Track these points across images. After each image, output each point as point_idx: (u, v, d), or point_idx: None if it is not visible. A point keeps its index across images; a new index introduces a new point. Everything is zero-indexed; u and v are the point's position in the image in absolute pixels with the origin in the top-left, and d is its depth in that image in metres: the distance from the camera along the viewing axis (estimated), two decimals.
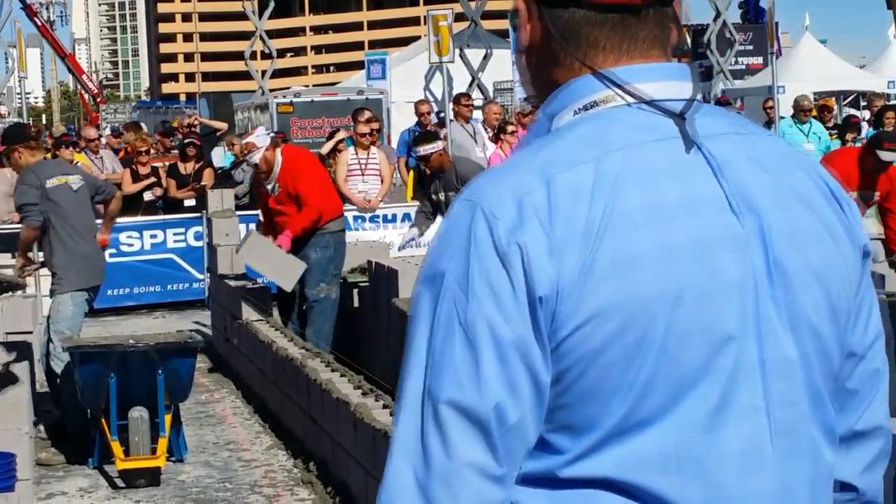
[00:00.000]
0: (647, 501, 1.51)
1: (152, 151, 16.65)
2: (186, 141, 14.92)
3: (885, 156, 9.09)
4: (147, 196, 14.33)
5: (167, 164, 15.36)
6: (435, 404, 1.49)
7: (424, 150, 10.21)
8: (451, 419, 1.48)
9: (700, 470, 1.51)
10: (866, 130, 16.75)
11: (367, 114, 14.37)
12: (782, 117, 16.07)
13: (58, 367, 8.05)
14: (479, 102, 18.57)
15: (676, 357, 1.51)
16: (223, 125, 19.23)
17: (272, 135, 9.84)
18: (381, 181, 14.04)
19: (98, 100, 56.26)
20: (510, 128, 14.63)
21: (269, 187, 9.43)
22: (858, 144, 15.14)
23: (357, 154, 13.91)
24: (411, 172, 14.41)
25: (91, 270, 8.21)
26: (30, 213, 8.08)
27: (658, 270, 1.50)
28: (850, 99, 27.28)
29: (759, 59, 38.36)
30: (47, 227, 8.08)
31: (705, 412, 1.51)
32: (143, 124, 21.25)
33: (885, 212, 9.47)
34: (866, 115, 22.39)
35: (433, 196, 10.24)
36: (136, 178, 14.54)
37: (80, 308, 8.19)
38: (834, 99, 22.71)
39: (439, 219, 10.53)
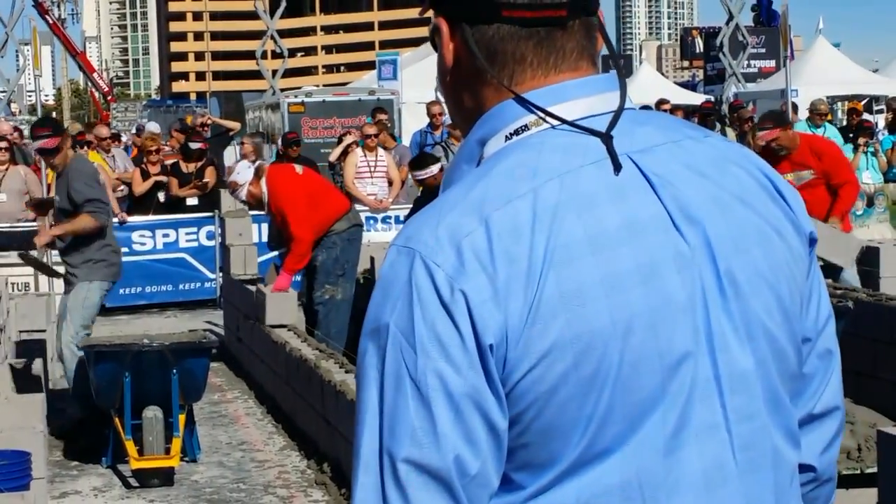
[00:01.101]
0: None
1: (168, 148, 16.66)
2: (194, 146, 14.90)
3: (757, 136, 9.48)
4: (190, 201, 14.32)
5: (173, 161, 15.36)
6: (393, 463, 1.45)
7: (419, 175, 10.17)
8: (411, 478, 1.45)
9: (663, 494, 1.49)
10: (883, 136, 16.71)
11: (383, 115, 14.38)
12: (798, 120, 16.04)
13: (71, 363, 8.08)
14: None
15: (632, 385, 1.48)
16: (236, 125, 19.24)
17: (254, 166, 9.70)
18: (390, 183, 14.04)
19: (108, 98, 56.36)
20: None
21: (269, 217, 9.47)
22: (871, 150, 15.14)
23: (366, 156, 13.94)
24: None
25: (119, 266, 8.57)
26: (101, 210, 8.24)
27: (606, 302, 1.47)
28: (863, 103, 27.23)
29: (772, 63, 38.33)
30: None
31: (664, 436, 1.49)
32: (154, 123, 21.21)
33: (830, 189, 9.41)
34: (879, 118, 22.37)
35: None
36: (146, 177, 14.55)
37: (101, 300, 8.44)
38: (861, 103, 22.64)
39: None
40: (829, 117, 16.07)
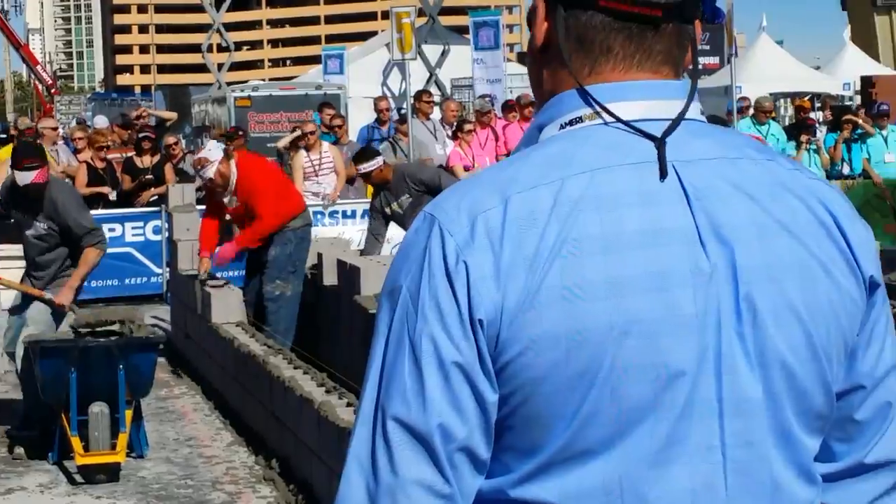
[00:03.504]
0: None
1: (111, 143, 16.53)
2: (142, 135, 14.81)
3: None
4: (111, 196, 14.21)
5: (124, 156, 15.26)
6: (384, 420, 1.49)
7: (364, 168, 10.17)
8: (397, 436, 1.48)
9: None
10: (824, 134, 16.90)
11: (328, 110, 14.32)
12: (743, 117, 16.18)
13: (20, 361, 8.01)
14: (436, 98, 18.58)
15: (622, 391, 1.48)
16: (173, 115, 19.05)
17: (224, 147, 9.78)
18: (337, 176, 14.01)
19: (52, 91, 55.76)
20: (468, 126, 14.64)
21: (227, 200, 9.41)
22: (814, 147, 15.31)
23: (309, 156, 13.90)
24: None
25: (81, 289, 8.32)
26: (102, 237, 7.99)
27: (606, 302, 1.47)
28: (805, 99, 27.49)
29: (716, 59, 38.52)
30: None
31: (652, 448, 1.48)
32: (103, 117, 21.02)
33: None
34: (820, 116, 22.61)
35: (385, 210, 10.14)
36: (93, 173, 14.44)
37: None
38: (809, 100, 22.85)
39: (395, 229, 10.52)
40: (773, 115, 16.22)
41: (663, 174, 1.52)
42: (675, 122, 1.54)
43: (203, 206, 12.16)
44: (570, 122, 1.56)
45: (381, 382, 1.51)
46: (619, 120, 1.54)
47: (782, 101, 29.59)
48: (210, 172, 9.24)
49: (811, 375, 1.54)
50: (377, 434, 1.50)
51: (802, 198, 1.56)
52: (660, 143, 1.52)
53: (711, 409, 1.50)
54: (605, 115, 1.54)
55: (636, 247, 1.49)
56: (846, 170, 15.28)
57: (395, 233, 10.80)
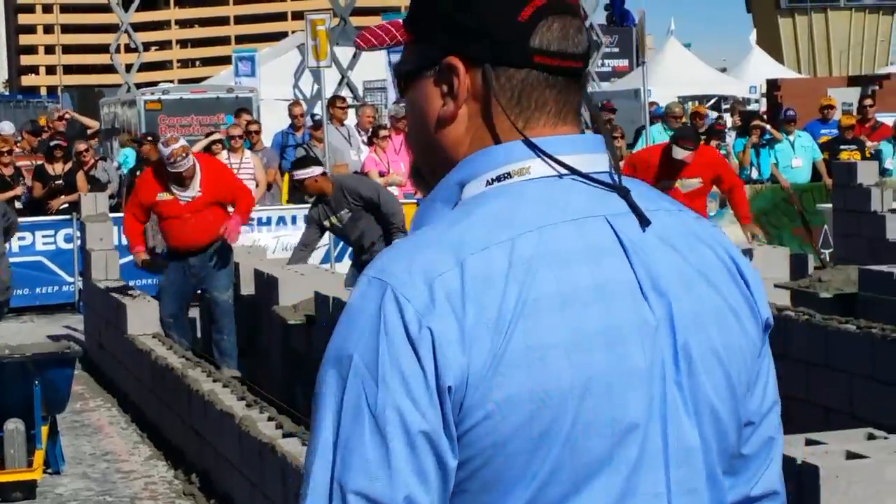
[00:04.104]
0: None
1: (17, 150, 16.29)
2: (53, 143, 14.60)
3: (676, 153, 9.45)
4: (17, 203, 14.02)
5: (34, 163, 15.05)
6: (343, 495, 1.43)
7: (298, 174, 9.96)
8: None
9: None
10: (733, 138, 17.17)
11: (246, 116, 14.24)
12: (653, 122, 16.39)
13: None
14: (350, 102, 18.54)
15: (581, 447, 1.48)
16: (95, 123, 18.87)
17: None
18: (256, 185, 13.94)
19: None
20: (383, 132, 14.65)
21: (188, 195, 9.34)
22: (723, 152, 15.55)
23: (230, 158, 13.80)
24: (286, 175, 14.35)
25: None
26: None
27: (568, 361, 1.47)
28: (711, 102, 27.90)
29: (625, 62, 38.99)
30: None
31: (607, 501, 1.50)
32: (8, 123, 20.68)
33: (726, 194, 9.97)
34: (727, 118, 22.97)
35: (322, 223, 9.99)
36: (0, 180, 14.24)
37: None
38: (706, 105, 23.20)
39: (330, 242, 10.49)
40: (684, 119, 16.45)
41: (644, 223, 1.54)
42: (619, 175, 1.57)
43: (116, 215, 12.06)
44: (499, 178, 1.54)
45: (336, 456, 1.45)
46: (577, 173, 1.55)
47: (690, 104, 30.01)
48: (187, 164, 9.32)
49: (730, 417, 1.60)
50: None
51: (712, 246, 1.62)
52: (626, 192, 1.54)
53: (659, 459, 1.53)
54: (559, 168, 1.54)
55: (591, 303, 1.50)
56: (755, 174, 15.54)
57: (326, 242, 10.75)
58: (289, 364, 8.34)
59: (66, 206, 14.02)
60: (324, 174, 10.00)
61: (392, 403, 1.44)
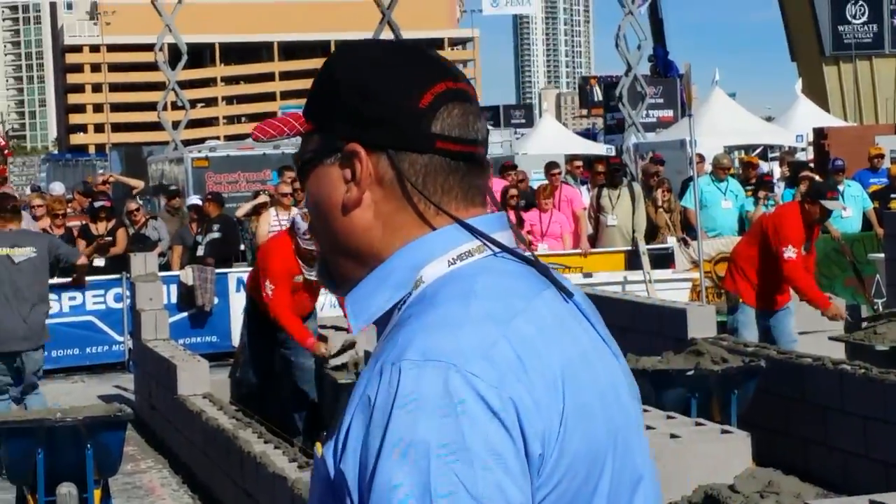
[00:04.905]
0: None
1: (70, 210, 16.46)
2: (97, 205, 14.72)
3: (829, 205, 9.29)
4: (97, 262, 14.12)
5: (84, 223, 15.19)
6: None
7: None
8: None
9: None
10: (781, 189, 17.05)
11: (291, 174, 14.30)
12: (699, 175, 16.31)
13: None
14: None
15: (616, 499, 1.52)
16: (139, 183, 19.02)
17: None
18: None
19: (5, 152, 55.47)
20: None
21: (313, 274, 8.87)
22: (771, 202, 15.44)
23: (278, 215, 13.86)
24: None
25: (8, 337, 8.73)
26: None
27: (602, 417, 1.51)
28: (757, 152, 27.79)
29: (670, 112, 39.02)
30: None
31: None
32: (60, 184, 20.91)
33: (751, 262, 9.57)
34: (774, 166, 22.85)
35: None
36: None
37: None
38: (756, 155, 23.09)
39: None
40: (732, 171, 16.36)
41: (569, 296, 1.59)
42: (529, 252, 1.61)
43: (163, 273, 12.11)
44: (460, 257, 1.55)
45: None
46: (513, 252, 1.58)
47: (736, 153, 29.89)
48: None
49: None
50: None
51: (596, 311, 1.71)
52: (546, 268, 1.59)
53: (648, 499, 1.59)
54: (493, 247, 1.57)
55: (596, 363, 1.56)
56: None
57: None
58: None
59: (102, 262, 14.05)
60: None
61: (493, 481, 1.39)
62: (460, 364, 1.43)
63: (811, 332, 10.01)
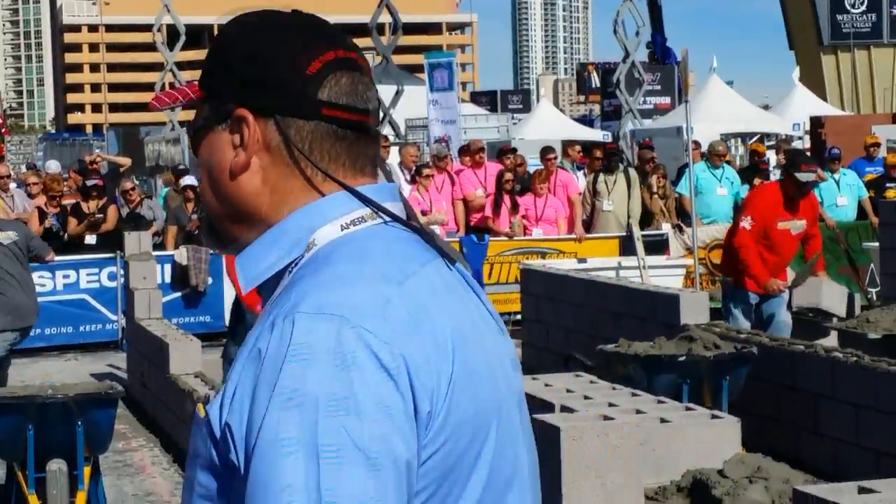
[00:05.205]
0: None
1: (66, 188, 16.44)
2: (90, 183, 14.68)
3: (803, 176, 9.32)
4: (88, 240, 14.09)
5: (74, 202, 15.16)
6: None
7: None
8: None
9: None
10: (777, 177, 17.03)
11: None
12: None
13: None
14: (391, 139, 18.57)
15: (498, 469, 1.52)
16: (126, 161, 18.93)
17: None
18: None
19: (2, 130, 55.36)
20: (426, 170, 14.66)
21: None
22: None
23: None
24: None
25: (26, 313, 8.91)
26: None
27: (488, 384, 1.52)
28: (753, 140, 27.78)
29: (667, 99, 38.92)
30: None
31: None
32: (56, 162, 20.87)
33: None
34: (770, 154, 22.83)
35: None
36: (45, 217, 14.33)
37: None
38: (748, 143, 23.08)
39: None
40: (728, 158, 16.35)
41: (452, 262, 1.60)
42: (417, 223, 1.62)
43: (157, 252, 12.10)
44: (353, 222, 1.57)
45: (321, 499, 1.36)
46: (402, 221, 1.59)
47: (732, 141, 29.87)
48: None
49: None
50: None
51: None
52: (432, 237, 1.60)
53: (526, 480, 1.60)
54: (383, 215, 1.59)
55: (484, 332, 1.57)
56: None
57: None
58: None
59: (93, 240, 14.03)
60: None
61: (380, 435, 1.40)
62: (354, 319, 1.44)
63: (805, 319, 10.03)
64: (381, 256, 1.52)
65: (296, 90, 1.58)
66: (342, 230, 1.56)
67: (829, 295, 10.17)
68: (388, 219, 1.58)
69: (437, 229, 12.51)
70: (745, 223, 9.48)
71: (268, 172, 1.60)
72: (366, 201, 1.57)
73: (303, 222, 1.57)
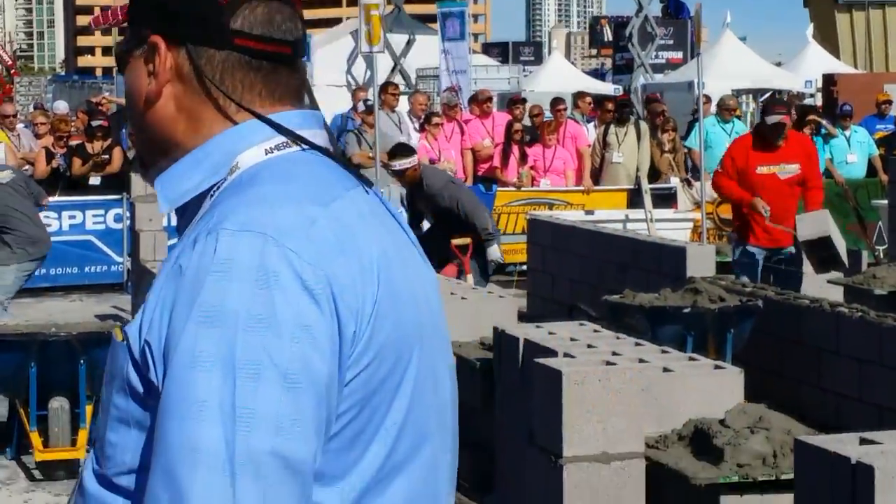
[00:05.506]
0: None
1: (73, 129, 16.40)
2: (95, 124, 14.63)
3: (770, 118, 9.35)
4: (92, 180, 14.05)
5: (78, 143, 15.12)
6: (252, 458, 1.35)
7: (400, 164, 9.82)
8: (274, 473, 1.35)
9: None
10: None
11: None
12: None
13: None
14: (402, 89, 18.47)
15: (419, 398, 1.51)
16: None
17: None
18: None
19: (12, 72, 55.22)
20: (436, 119, 14.60)
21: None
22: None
23: None
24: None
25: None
26: None
27: (412, 310, 1.52)
28: (766, 96, 27.63)
29: (679, 54, 38.65)
30: None
31: (436, 454, 1.55)
32: (63, 102, 20.81)
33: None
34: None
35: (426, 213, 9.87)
36: (52, 157, 14.31)
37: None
38: (760, 100, 22.94)
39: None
40: (738, 113, 16.26)
41: (369, 188, 1.61)
42: (337, 151, 1.62)
43: None
44: (276, 147, 1.56)
45: (238, 420, 1.35)
46: (318, 148, 1.58)
47: (744, 97, 29.73)
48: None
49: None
50: (239, 477, 1.34)
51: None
52: (351, 164, 1.62)
53: (448, 409, 1.60)
54: (300, 143, 1.58)
55: (409, 259, 1.57)
56: None
57: None
58: None
59: (98, 181, 14.00)
60: (419, 162, 9.99)
61: (300, 354, 1.38)
62: (278, 238, 1.43)
63: (810, 275, 9.99)
64: (306, 179, 1.52)
65: (208, 19, 1.57)
66: (266, 154, 1.56)
67: (836, 230, 10.12)
68: (306, 147, 1.57)
69: None
70: (718, 167, 9.75)
71: (181, 101, 1.60)
72: (279, 129, 1.56)
73: (226, 145, 1.57)
